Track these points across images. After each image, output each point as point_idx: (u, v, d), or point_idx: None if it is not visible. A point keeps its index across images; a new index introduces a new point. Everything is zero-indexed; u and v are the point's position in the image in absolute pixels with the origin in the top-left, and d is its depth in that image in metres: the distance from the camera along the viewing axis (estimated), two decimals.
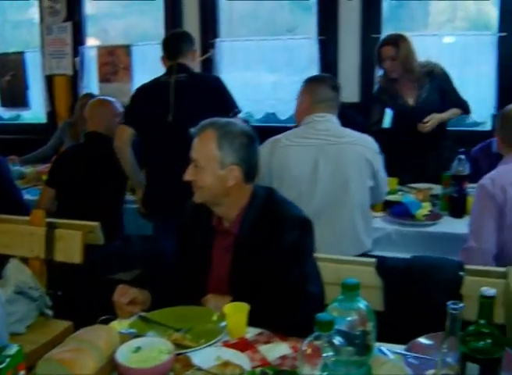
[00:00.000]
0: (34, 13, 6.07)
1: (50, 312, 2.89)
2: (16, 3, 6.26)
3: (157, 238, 3.48)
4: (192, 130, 2.12)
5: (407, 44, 3.87)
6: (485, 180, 2.59)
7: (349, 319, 1.42)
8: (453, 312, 1.39)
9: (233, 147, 2.06)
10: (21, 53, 6.13)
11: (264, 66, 5.22)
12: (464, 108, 3.94)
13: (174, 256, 2.30)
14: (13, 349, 1.48)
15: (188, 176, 2.10)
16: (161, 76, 3.41)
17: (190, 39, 3.53)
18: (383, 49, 3.91)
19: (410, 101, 3.94)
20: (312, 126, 2.85)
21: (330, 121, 2.87)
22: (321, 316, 1.31)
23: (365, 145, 2.85)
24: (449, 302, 1.39)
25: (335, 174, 2.79)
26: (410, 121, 3.89)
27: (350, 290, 1.44)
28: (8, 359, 1.45)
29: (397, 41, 3.87)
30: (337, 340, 1.31)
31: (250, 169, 2.12)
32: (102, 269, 3.35)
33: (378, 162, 2.89)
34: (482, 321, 1.43)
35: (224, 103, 3.31)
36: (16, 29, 6.67)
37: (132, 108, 3.45)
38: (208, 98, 3.25)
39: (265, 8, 5.40)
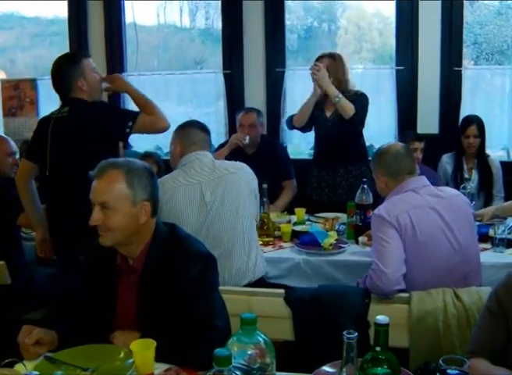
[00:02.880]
0: None
1: None
2: None
3: (63, 276, 3.36)
4: (91, 172, 2.09)
5: (338, 62, 4.08)
6: (380, 210, 2.67)
7: (248, 352, 1.44)
8: (349, 341, 1.43)
9: (142, 183, 2.07)
10: None
11: (172, 99, 5.24)
12: (357, 113, 3.99)
13: (79, 295, 2.25)
14: None
15: (95, 220, 2.04)
16: (55, 110, 3.21)
17: (68, 66, 3.11)
18: (321, 60, 4.07)
19: (328, 113, 4.12)
20: (194, 164, 2.92)
21: (209, 158, 2.98)
22: (218, 351, 1.32)
23: (246, 172, 2.99)
24: (344, 332, 1.43)
25: (224, 205, 2.87)
26: (324, 133, 4.14)
27: (249, 324, 1.46)
28: None
29: (333, 55, 4.12)
30: (235, 374, 1.32)
31: (156, 203, 2.15)
32: (9, 309, 3.23)
33: (256, 186, 3.03)
34: (378, 348, 1.48)
35: (110, 129, 3.06)
36: None
37: (31, 141, 3.28)
38: (90, 129, 3.02)
39: (176, 40, 5.45)
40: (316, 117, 4.14)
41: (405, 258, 2.59)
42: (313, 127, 4.27)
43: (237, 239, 2.88)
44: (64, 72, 3.12)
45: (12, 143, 3.79)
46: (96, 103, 3.18)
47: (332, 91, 3.94)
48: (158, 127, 3.13)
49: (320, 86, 3.97)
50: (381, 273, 2.52)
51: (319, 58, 4.09)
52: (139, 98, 3.23)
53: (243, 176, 2.96)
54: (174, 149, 3.03)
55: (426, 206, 2.67)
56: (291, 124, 4.26)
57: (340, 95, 3.92)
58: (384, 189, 2.86)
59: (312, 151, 4.55)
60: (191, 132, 3.00)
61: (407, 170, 2.80)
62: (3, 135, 3.91)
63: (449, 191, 2.88)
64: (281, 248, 3.37)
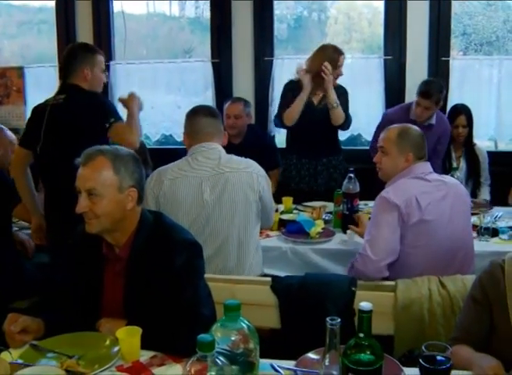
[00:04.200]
0: None
1: None
2: None
3: (52, 265, 3.35)
4: (77, 160, 2.09)
5: None
6: (388, 193, 2.66)
7: (232, 338, 1.46)
8: (331, 327, 1.44)
9: (129, 170, 2.08)
10: None
11: (161, 88, 5.22)
12: (346, 121, 4.09)
13: (65, 283, 2.24)
14: None
15: (82, 207, 2.04)
16: (51, 97, 3.25)
17: (76, 56, 3.22)
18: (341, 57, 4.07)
19: (315, 101, 4.09)
20: (199, 156, 2.86)
21: (215, 150, 2.89)
22: (201, 337, 1.33)
23: (250, 171, 2.87)
24: (327, 318, 1.44)
25: (221, 203, 2.80)
26: (309, 121, 4.06)
27: (232, 310, 1.47)
28: None
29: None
30: (219, 359, 1.33)
31: (142, 190, 2.16)
32: None
33: (264, 185, 2.90)
34: (361, 334, 1.49)
35: (100, 116, 3.09)
36: None
37: (26, 128, 3.33)
38: (84, 116, 3.06)
39: (165, 29, 5.43)
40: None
41: (407, 242, 2.62)
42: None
43: (232, 239, 2.81)
44: (76, 54, 3.23)
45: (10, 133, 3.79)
46: (92, 92, 3.22)
47: (333, 96, 3.97)
48: (127, 139, 3.05)
49: (325, 87, 3.97)
50: (367, 259, 2.56)
51: (333, 52, 4.04)
52: (132, 116, 3.22)
53: (246, 176, 2.84)
54: (184, 135, 2.99)
55: (434, 192, 2.69)
56: (281, 123, 4.17)
57: (338, 102, 3.96)
58: (396, 168, 2.79)
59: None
60: (195, 121, 2.92)
61: (426, 154, 2.85)
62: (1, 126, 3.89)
63: (450, 179, 2.91)
64: (268, 236, 3.37)
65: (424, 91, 4.02)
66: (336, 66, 4.02)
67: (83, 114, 3.06)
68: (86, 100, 3.15)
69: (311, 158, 4.17)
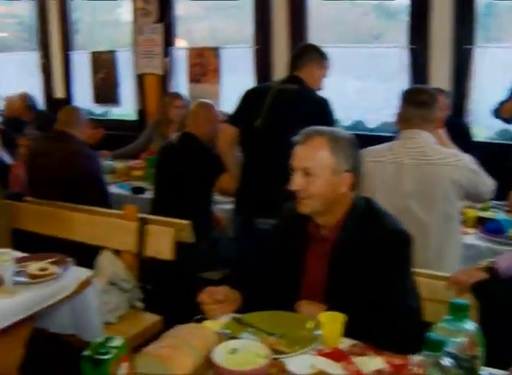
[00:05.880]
0: (123, 13, 6.32)
1: (140, 305, 2.99)
2: (104, 3, 6.49)
3: (239, 239, 3.47)
4: (295, 138, 2.10)
5: None
6: None
7: (458, 340, 1.39)
8: None
9: (346, 154, 2.06)
10: (113, 52, 6.33)
11: (349, 73, 5.16)
12: None
13: (266, 260, 2.29)
14: (118, 341, 1.52)
15: (297, 185, 2.06)
16: (272, 82, 3.52)
17: (308, 53, 3.45)
18: None
19: None
20: (401, 143, 2.81)
21: (419, 139, 2.80)
22: (432, 335, 1.29)
23: (455, 165, 2.73)
24: None
25: (420, 195, 2.72)
26: None
27: (460, 310, 1.41)
28: (114, 351, 1.48)
29: None
30: (447, 361, 1.28)
31: (358, 176, 2.12)
32: (191, 268, 3.40)
33: (470, 179, 2.76)
34: None
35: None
36: (105, 28, 6.95)
37: (237, 108, 3.50)
38: (302, 115, 3.15)
39: (350, 14, 5.37)
40: None
41: None
42: None
43: (431, 234, 2.72)
44: (308, 51, 3.48)
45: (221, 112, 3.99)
46: (322, 98, 3.38)
47: None
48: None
49: None
50: None
51: None
52: None
53: (451, 169, 2.72)
54: (396, 118, 2.97)
55: None
56: (496, 113, 4.03)
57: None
58: None
59: None
60: (404, 107, 2.88)
61: None
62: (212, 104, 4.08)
63: None
64: (465, 234, 3.19)
65: None
66: None
67: (310, 115, 3.14)
68: (317, 104, 3.32)
69: None
